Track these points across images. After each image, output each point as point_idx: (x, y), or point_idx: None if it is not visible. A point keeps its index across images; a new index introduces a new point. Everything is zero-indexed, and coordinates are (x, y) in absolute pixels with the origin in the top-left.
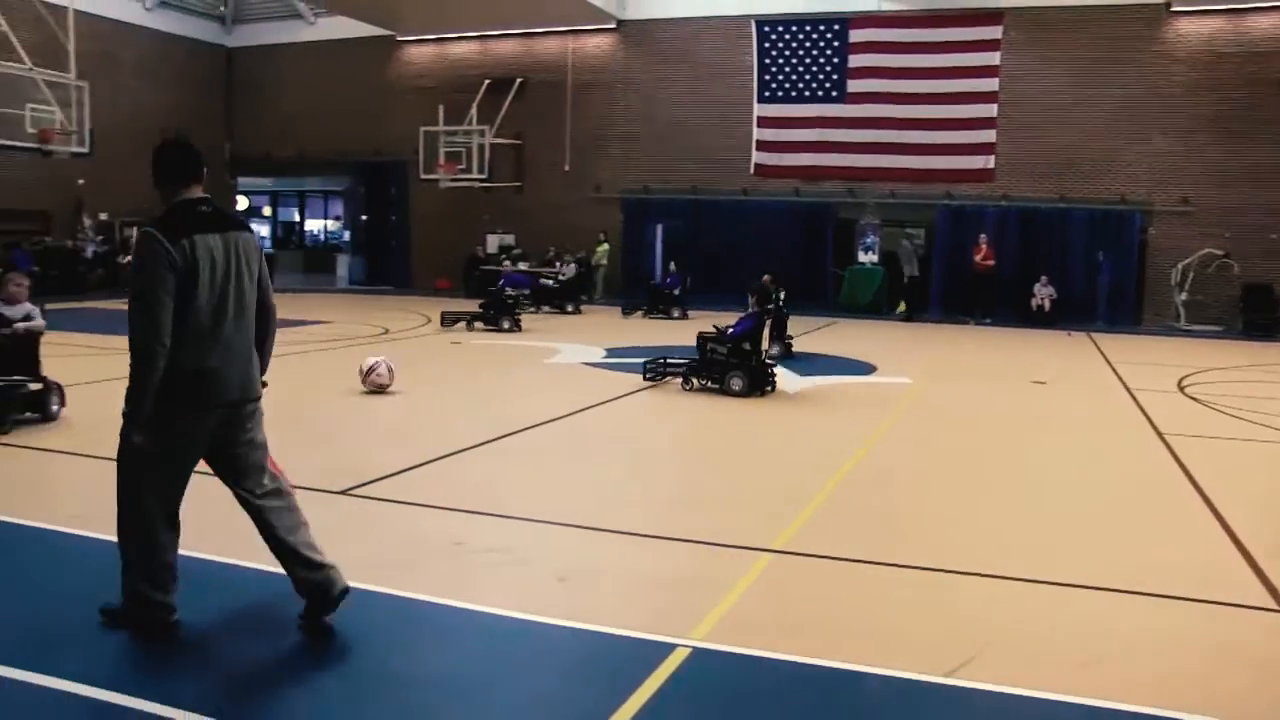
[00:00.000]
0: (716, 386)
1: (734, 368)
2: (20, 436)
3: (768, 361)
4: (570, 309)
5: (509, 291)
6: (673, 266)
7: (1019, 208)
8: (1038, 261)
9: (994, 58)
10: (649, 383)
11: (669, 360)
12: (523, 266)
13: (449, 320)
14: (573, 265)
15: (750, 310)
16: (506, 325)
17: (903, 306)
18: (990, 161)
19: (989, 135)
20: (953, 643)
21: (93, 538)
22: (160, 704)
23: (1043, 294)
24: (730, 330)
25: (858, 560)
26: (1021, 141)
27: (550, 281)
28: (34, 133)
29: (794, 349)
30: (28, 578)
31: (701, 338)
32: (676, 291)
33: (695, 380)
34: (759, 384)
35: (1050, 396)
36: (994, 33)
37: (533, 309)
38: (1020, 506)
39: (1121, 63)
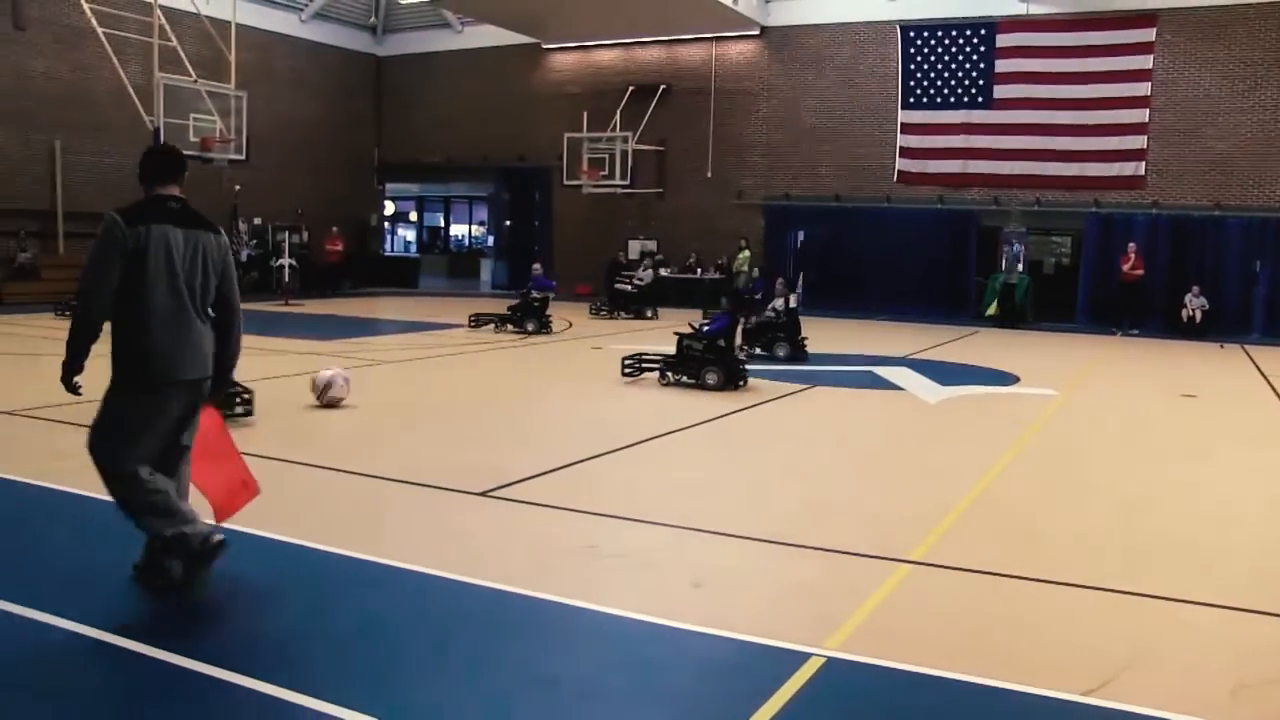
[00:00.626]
0: (693, 381)
1: (709, 363)
2: None
3: (740, 358)
4: (532, 328)
5: (535, 294)
6: (756, 272)
7: (1170, 216)
8: (1189, 271)
9: (1147, 61)
10: (627, 378)
11: (645, 356)
12: (643, 274)
13: (477, 321)
14: (650, 271)
15: (724, 309)
16: (531, 327)
17: (993, 309)
18: (1141, 168)
19: (1140, 141)
20: (1094, 661)
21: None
22: (330, 703)
23: (1194, 305)
24: (705, 328)
25: (997, 574)
26: (1174, 147)
27: (628, 286)
28: (196, 141)
29: (807, 349)
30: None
31: (679, 336)
32: (759, 295)
33: (670, 375)
34: (733, 379)
35: (1201, 410)
36: (1147, 35)
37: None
38: (1168, 523)
39: None
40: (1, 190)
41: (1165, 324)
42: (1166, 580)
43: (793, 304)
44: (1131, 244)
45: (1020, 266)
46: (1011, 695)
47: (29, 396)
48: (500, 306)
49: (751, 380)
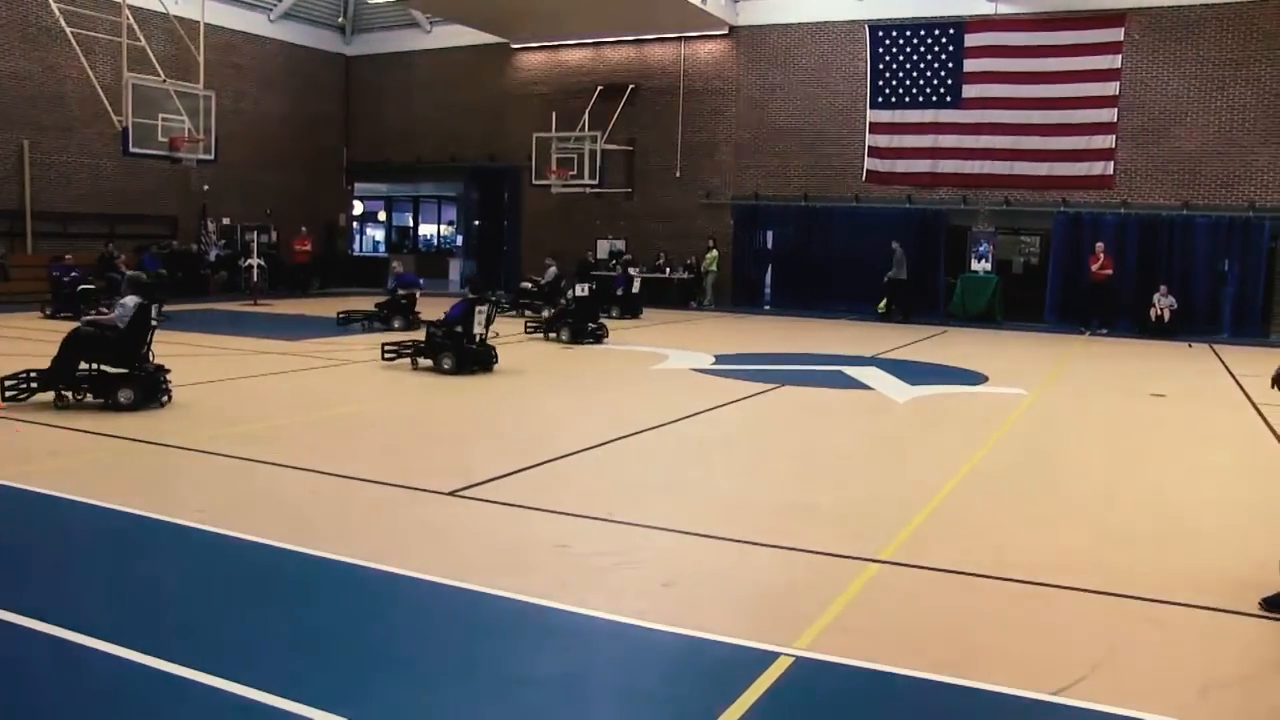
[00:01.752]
0: (430, 365)
1: (446, 349)
2: (133, 429)
3: (481, 343)
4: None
5: (400, 292)
6: (619, 267)
7: (1139, 215)
8: (1158, 271)
9: (1115, 61)
10: (387, 362)
11: (401, 343)
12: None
13: (346, 319)
14: (553, 270)
15: (466, 297)
16: (398, 324)
17: (883, 306)
18: (1110, 168)
19: (1108, 141)
20: (1063, 659)
21: (214, 532)
22: (279, 696)
23: (1162, 304)
24: (445, 316)
25: (965, 573)
26: (1143, 147)
27: (528, 284)
28: (164, 141)
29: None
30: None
31: (427, 324)
32: (620, 291)
33: (419, 359)
34: (465, 363)
35: (1170, 409)
36: (1116, 35)
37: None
38: (1138, 522)
39: (1254, 61)
40: None
41: (1134, 323)
42: (1135, 579)
43: (580, 292)
44: (1100, 244)
45: (988, 265)
46: (981, 694)
47: None
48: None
49: (716, 378)
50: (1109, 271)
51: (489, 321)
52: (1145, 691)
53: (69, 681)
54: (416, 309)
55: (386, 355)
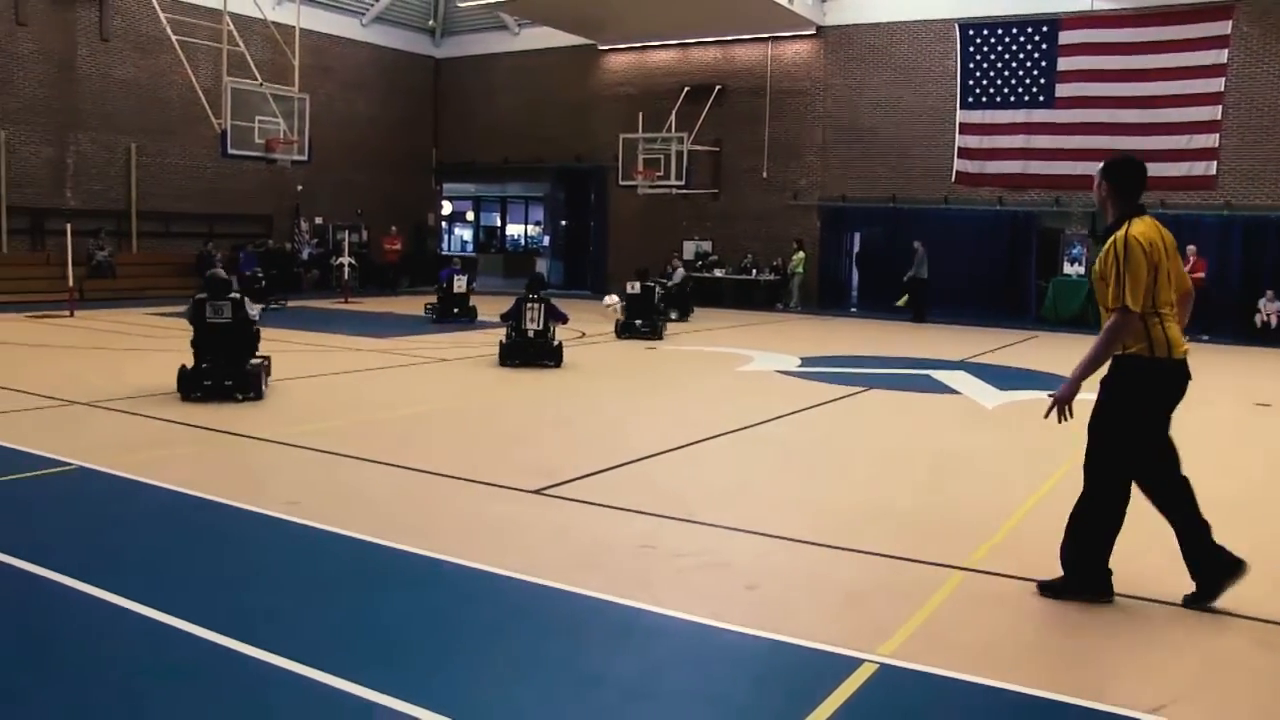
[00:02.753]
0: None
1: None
2: (232, 423)
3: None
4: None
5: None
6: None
7: (1243, 217)
8: (1264, 274)
9: (1222, 56)
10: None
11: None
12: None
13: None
14: (681, 271)
15: (521, 296)
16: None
17: (903, 301)
18: (1212, 168)
19: (1212, 140)
20: (1160, 678)
21: (302, 524)
22: (357, 684)
23: (1269, 309)
24: (501, 315)
25: None
26: (1250, 146)
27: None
28: (261, 143)
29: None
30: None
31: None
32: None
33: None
34: (508, 356)
35: (1277, 421)
36: (1222, 28)
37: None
38: (1241, 538)
39: None
40: (84, 192)
41: (1238, 329)
42: (1240, 598)
43: (632, 290)
44: (1191, 246)
45: (1081, 269)
46: (1071, 709)
47: (105, 389)
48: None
49: (802, 381)
50: (1200, 274)
51: (546, 318)
52: (1249, 712)
53: (156, 658)
54: (470, 303)
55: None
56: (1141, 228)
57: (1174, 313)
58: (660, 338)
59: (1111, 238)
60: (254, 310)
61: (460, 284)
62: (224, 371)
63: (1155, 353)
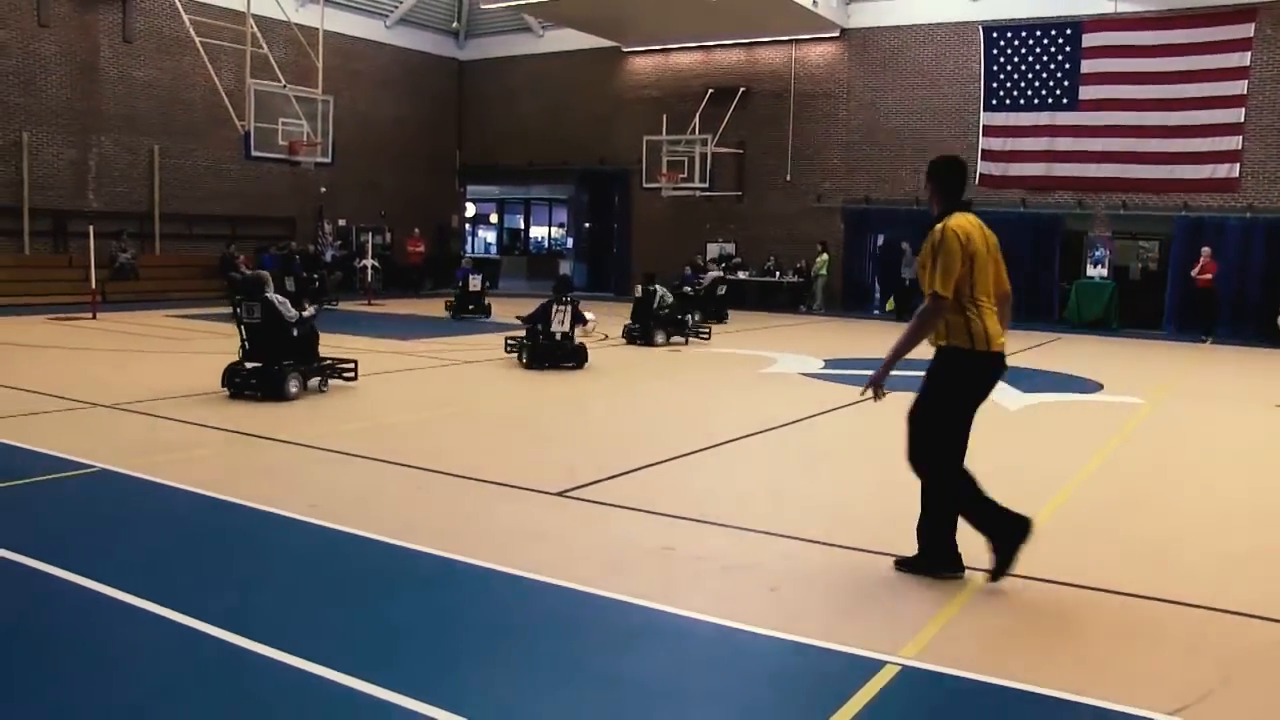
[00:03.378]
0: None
1: (524, 345)
2: (254, 425)
3: (562, 340)
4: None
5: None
6: (688, 270)
7: (1266, 219)
8: None
9: (1244, 58)
10: (507, 355)
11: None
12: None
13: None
14: (714, 273)
15: (547, 298)
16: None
17: (891, 304)
18: (1235, 170)
19: (1235, 142)
20: (1182, 678)
21: (322, 526)
22: (379, 686)
23: None
24: (528, 316)
25: (1078, 585)
26: (1273, 148)
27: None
28: (284, 145)
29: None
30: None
31: (520, 319)
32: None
33: (523, 355)
34: (538, 359)
35: None
36: (1245, 31)
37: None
38: (1262, 539)
39: None
40: (107, 194)
41: (1259, 331)
42: (1261, 598)
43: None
44: (1205, 248)
45: (1104, 271)
46: (1093, 710)
47: (127, 391)
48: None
49: (826, 383)
50: (1208, 276)
51: (574, 322)
52: (1270, 714)
53: (172, 658)
54: (485, 301)
55: (508, 350)
56: (960, 222)
57: (993, 306)
58: (653, 343)
59: (932, 229)
60: (293, 313)
61: (475, 283)
62: (252, 370)
63: (975, 345)
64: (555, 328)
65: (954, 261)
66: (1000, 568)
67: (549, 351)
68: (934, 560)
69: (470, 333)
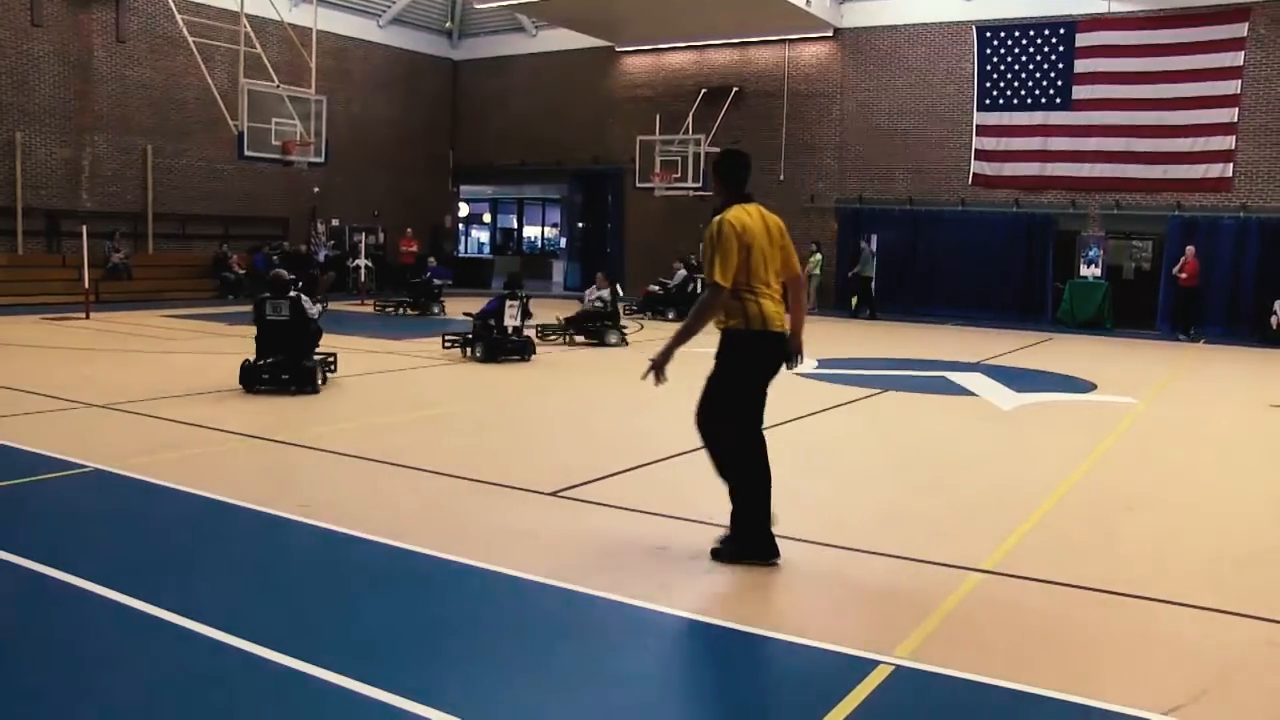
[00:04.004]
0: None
1: (479, 339)
2: (247, 425)
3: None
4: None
5: (436, 282)
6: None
7: (1260, 219)
8: (1279, 276)
9: (1238, 58)
10: (445, 350)
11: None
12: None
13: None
14: (682, 272)
15: (500, 294)
16: (437, 310)
17: (855, 302)
18: (1229, 170)
19: (1228, 142)
20: (1176, 678)
21: (315, 525)
22: (371, 685)
23: None
24: (480, 311)
25: (1072, 585)
26: (1265, 148)
27: (656, 288)
28: (277, 145)
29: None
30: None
31: (469, 315)
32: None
33: (468, 350)
34: (493, 352)
35: None
36: (1238, 31)
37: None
38: (1255, 539)
39: None
40: (100, 194)
41: (1253, 331)
42: (1254, 598)
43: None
44: (1190, 247)
45: (1098, 271)
46: (1088, 710)
47: (122, 391)
48: (572, 307)
49: (819, 383)
50: (1186, 275)
51: (522, 316)
52: (1264, 714)
53: (169, 659)
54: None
55: (446, 345)
56: (737, 213)
57: (773, 292)
58: (605, 343)
59: (710, 222)
60: (314, 309)
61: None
62: (282, 367)
63: (751, 326)
64: (507, 322)
65: (730, 252)
66: (719, 555)
67: (500, 345)
68: (746, 545)
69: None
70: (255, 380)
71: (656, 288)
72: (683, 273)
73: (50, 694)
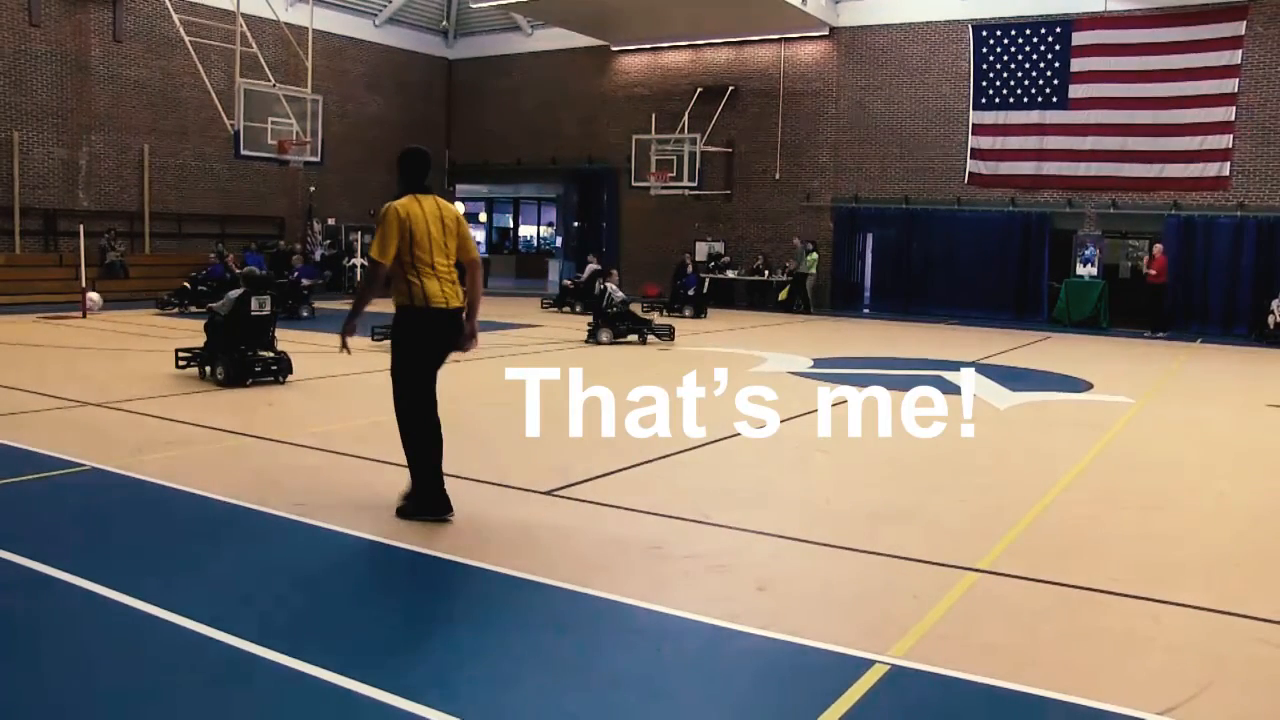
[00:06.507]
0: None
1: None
2: (243, 424)
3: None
4: None
5: (305, 281)
6: (690, 268)
7: (1257, 218)
8: (1277, 275)
9: (1235, 56)
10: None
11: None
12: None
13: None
14: (590, 268)
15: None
16: (305, 314)
17: (783, 295)
18: (1226, 169)
19: (1225, 141)
20: (1171, 678)
21: (310, 524)
22: (365, 684)
23: None
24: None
25: (1066, 585)
26: (1263, 146)
27: (568, 283)
28: (273, 144)
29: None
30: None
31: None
32: (691, 291)
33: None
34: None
35: None
36: (1236, 29)
37: None
38: (1252, 539)
39: None
40: (97, 193)
41: (1251, 331)
42: (1249, 598)
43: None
44: (1158, 245)
45: (1094, 270)
46: (1083, 710)
47: (119, 390)
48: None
49: (815, 382)
50: (1153, 272)
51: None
52: (1259, 713)
53: (163, 657)
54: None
55: (375, 338)
56: (406, 202)
57: (439, 273)
58: (599, 342)
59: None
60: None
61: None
62: (265, 359)
63: (415, 303)
64: None
65: (390, 234)
66: (401, 512)
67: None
68: (420, 503)
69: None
70: (249, 375)
71: (568, 282)
72: (591, 267)
73: (50, 694)
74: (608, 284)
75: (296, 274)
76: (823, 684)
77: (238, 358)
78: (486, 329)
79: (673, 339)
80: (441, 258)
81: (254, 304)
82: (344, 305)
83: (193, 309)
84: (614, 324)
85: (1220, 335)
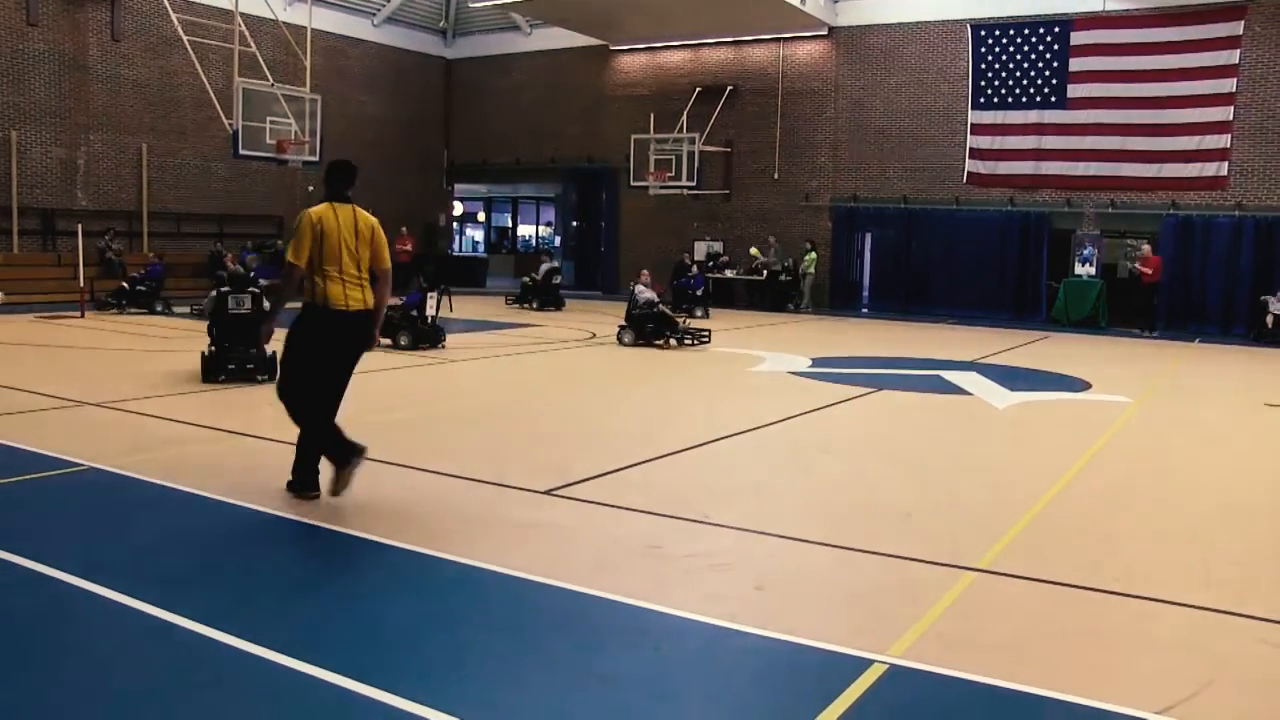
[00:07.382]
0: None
1: (402, 328)
2: (241, 424)
3: (432, 323)
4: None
5: (263, 281)
6: (694, 269)
7: (1255, 218)
8: (1275, 274)
9: (1234, 56)
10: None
11: None
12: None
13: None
14: (545, 266)
15: (417, 287)
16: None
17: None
18: (1224, 168)
19: (1223, 140)
20: (1170, 677)
21: (310, 524)
22: (366, 685)
23: (1277, 309)
24: (404, 301)
25: (1066, 584)
26: (1262, 146)
27: (528, 280)
28: (272, 144)
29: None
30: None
31: (394, 309)
32: (699, 291)
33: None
34: (419, 340)
35: None
36: (1234, 29)
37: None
38: (1251, 538)
39: None
40: (95, 193)
41: (1249, 330)
42: (1248, 597)
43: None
44: (1146, 246)
45: (1093, 270)
46: (1082, 709)
47: (117, 389)
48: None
49: (814, 381)
50: (1148, 270)
51: (439, 307)
52: (1258, 712)
53: (163, 657)
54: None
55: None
56: (323, 209)
57: (346, 277)
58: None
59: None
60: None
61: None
62: (245, 356)
63: (315, 301)
64: (428, 312)
65: (303, 238)
66: (290, 487)
67: (424, 334)
68: (299, 481)
69: (456, 331)
70: (220, 371)
71: (527, 279)
72: (545, 266)
73: (50, 694)
74: (636, 285)
75: (254, 273)
76: (821, 683)
77: (211, 353)
78: (484, 329)
79: (709, 341)
80: (351, 264)
81: (231, 303)
82: None
83: (131, 309)
84: (640, 326)
85: (1218, 335)
